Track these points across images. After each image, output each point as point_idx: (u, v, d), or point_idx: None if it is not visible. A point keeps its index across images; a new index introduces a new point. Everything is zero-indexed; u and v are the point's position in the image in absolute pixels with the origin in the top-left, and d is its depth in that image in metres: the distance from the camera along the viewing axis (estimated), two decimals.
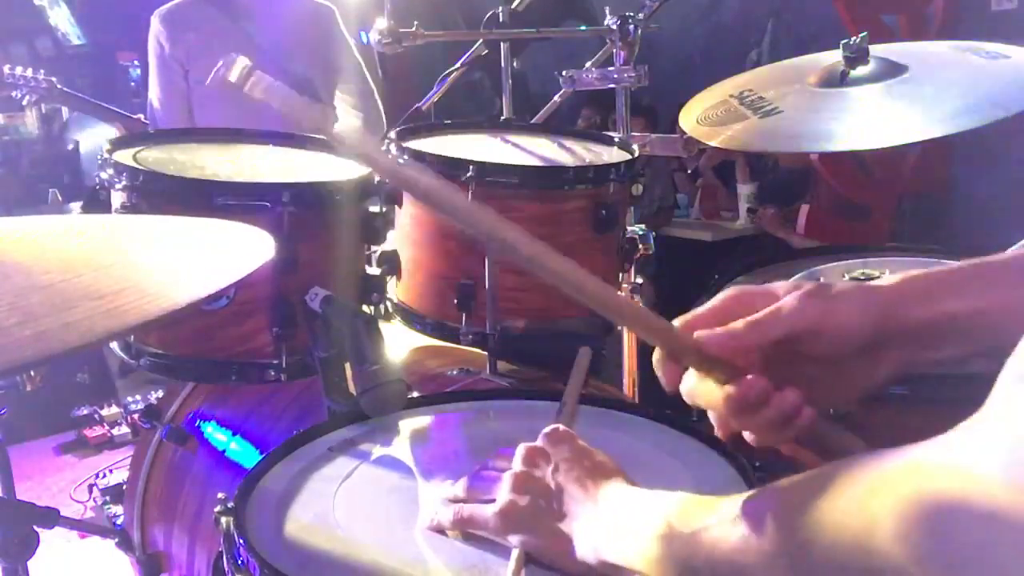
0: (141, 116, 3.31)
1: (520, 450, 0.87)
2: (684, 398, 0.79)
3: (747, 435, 0.80)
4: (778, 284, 0.80)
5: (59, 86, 3.34)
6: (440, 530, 0.89)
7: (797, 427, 0.76)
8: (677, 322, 0.79)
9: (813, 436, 0.79)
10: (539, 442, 0.89)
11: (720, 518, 0.66)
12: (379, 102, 3.07)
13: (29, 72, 3.30)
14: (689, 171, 4.90)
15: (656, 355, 0.79)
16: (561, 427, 0.91)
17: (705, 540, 0.66)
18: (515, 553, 0.82)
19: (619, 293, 0.76)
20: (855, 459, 0.57)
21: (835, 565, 0.54)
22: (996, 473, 0.46)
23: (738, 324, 0.76)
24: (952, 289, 0.76)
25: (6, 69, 3.30)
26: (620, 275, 1.58)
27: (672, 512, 0.72)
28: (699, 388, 0.77)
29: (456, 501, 0.89)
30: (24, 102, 3.39)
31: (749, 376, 0.75)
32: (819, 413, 0.77)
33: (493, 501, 0.85)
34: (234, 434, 1.59)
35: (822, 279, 1.39)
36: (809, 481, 0.60)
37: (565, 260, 0.71)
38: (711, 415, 0.79)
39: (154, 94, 2.86)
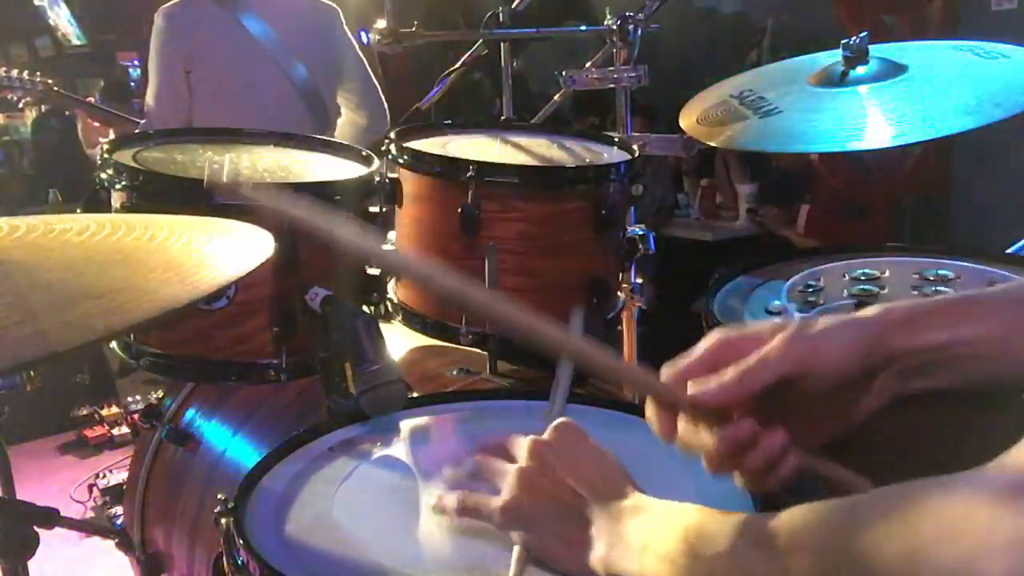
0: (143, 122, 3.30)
1: (529, 444, 0.86)
2: (677, 447, 0.80)
3: (738, 480, 0.80)
4: (762, 326, 0.80)
5: (55, 88, 3.31)
6: (443, 513, 0.88)
7: (786, 468, 0.77)
8: (666, 370, 0.80)
9: (807, 477, 0.79)
10: (548, 435, 0.87)
11: (748, 540, 0.65)
12: (384, 101, 3.07)
13: (25, 74, 3.28)
14: (693, 170, 4.90)
15: (648, 408, 0.80)
16: (571, 422, 0.90)
17: (732, 564, 0.66)
18: (516, 553, 0.82)
19: (607, 352, 0.78)
20: (902, 490, 0.56)
21: None
22: None
23: (728, 375, 0.76)
24: (936, 320, 0.77)
25: (1, 71, 3.28)
26: (620, 275, 1.58)
27: (691, 528, 0.72)
28: (691, 435, 0.78)
29: (459, 486, 0.89)
30: (20, 105, 3.36)
31: (737, 420, 0.75)
32: (809, 451, 0.78)
33: (497, 492, 0.85)
34: (234, 434, 1.59)
35: (822, 279, 1.39)
36: (845, 506, 0.59)
37: (552, 325, 0.74)
38: (704, 460, 0.79)
39: (151, 93, 2.85)
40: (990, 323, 0.75)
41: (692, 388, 0.77)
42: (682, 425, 0.79)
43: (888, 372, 0.77)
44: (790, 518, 0.64)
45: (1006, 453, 0.51)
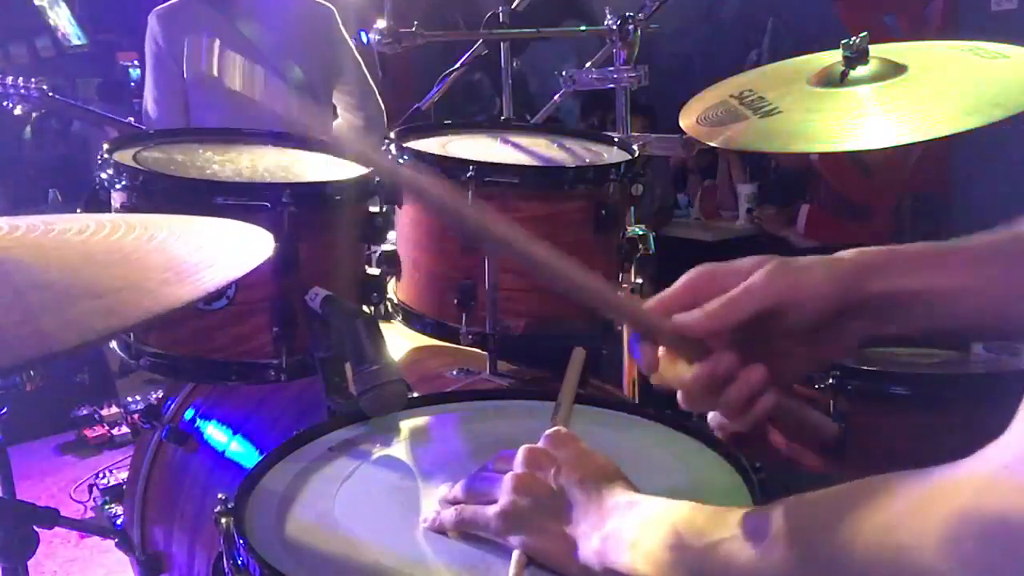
0: (131, 119, 3.29)
1: (522, 451, 0.87)
2: (651, 379, 0.80)
3: (713, 420, 0.81)
4: (743, 261, 0.81)
5: (50, 93, 3.28)
6: (441, 530, 0.88)
7: (762, 407, 0.77)
8: (649, 303, 0.80)
9: (781, 416, 0.81)
10: (541, 443, 0.88)
11: (734, 531, 0.65)
12: (380, 101, 3.07)
13: (20, 80, 3.24)
14: (702, 167, 4.90)
15: (630, 337, 0.80)
16: (563, 429, 0.91)
17: (719, 553, 0.66)
18: (516, 555, 0.82)
19: (600, 280, 0.78)
20: (884, 478, 0.57)
21: None
22: None
23: (713, 304, 0.76)
24: (908, 266, 0.77)
25: None
26: (620, 275, 1.58)
27: (681, 522, 0.72)
28: (668, 369, 0.79)
29: (456, 502, 0.89)
30: (16, 111, 3.33)
31: (717, 354, 0.76)
32: (785, 393, 0.80)
33: (494, 502, 0.85)
34: (234, 434, 1.59)
35: None
36: (834, 498, 0.60)
37: (552, 252, 0.74)
38: (680, 396, 0.79)
39: (149, 95, 2.85)
40: (964, 274, 0.76)
41: (675, 318, 0.77)
42: (662, 358, 0.79)
43: (862, 315, 0.78)
44: (776, 510, 0.64)
45: (989, 446, 0.52)
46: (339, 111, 3.05)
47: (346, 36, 2.98)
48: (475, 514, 0.85)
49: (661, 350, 0.79)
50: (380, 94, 3.10)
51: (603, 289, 0.78)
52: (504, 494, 0.84)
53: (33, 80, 3.24)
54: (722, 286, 0.78)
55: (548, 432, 0.90)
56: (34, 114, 3.38)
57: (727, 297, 0.77)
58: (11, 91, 3.20)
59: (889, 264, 0.77)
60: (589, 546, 0.78)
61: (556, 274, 0.75)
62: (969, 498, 0.49)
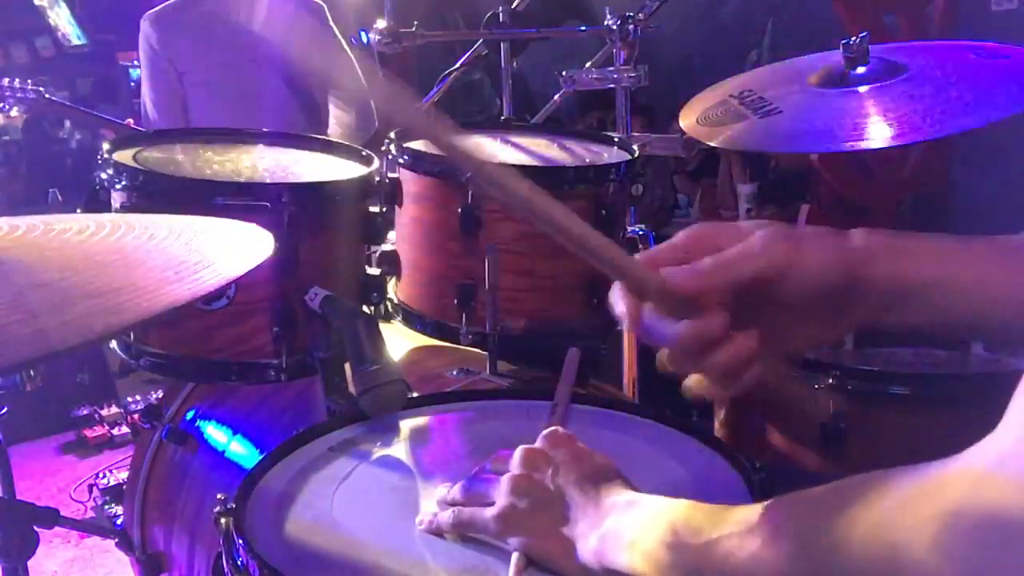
0: (130, 120, 3.30)
1: (519, 452, 0.87)
2: (640, 336, 0.75)
3: (693, 382, 0.76)
4: (747, 222, 0.77)
5: (47, 95, 3.27)
6: (437, 532, 0.88)
7: (750, 377, 0.73)
8: (642, 255, 0.77)
9: (768, 390, 0.77)
10: (538, 444, 0.88)
11: (732, 529, 0.65)
12: (372, 100, 3.07)
13: (16, 82, 3.24)
14: (690, 170, 4.90)
15: (615, 291, 0.76)
16: (560, 429, 0.91)
17: (717, 551, 0.66)
18: (515, 556, 0.82)
19: (587, 226, 0.74)
20: (878, 474, 0.56)
21: None
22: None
23: (705, 262, 0.72)
24: (920, 254, 0.75)
25: None
26: None
27: (679, 520, 0.71)
28: (656, 325, 0.74)
29: (454, 504, 0.89)
30: (13, 112, 3.32)
31: (708, 312, 0.72)
32: (775, 368, 0.75)
33: (492, 504, 0.85)
34: (234, 434, 1.59)
35: None
36: (830, 494, 0.60)
37: (538, 191, 0.72)
38: (664, 355, 0.75)
39: (148, 97, 2.85)
40: (970, 265, 0.74)
41: (664, 272, 0.73)
42: (648, 313, 0.74)
43: (863, 298, 0.74)
44: (773, 507, 0.64)
45: (980, 443, 0.51)
46: (331, 109, 3.05)
47: (338, 33, 2.98)
48: (473, 516, 0.85)
49: (648, 305, 0.74)
50: None
51: (588, 232, 0.72)
52: (501, 496, 0.84)
53: (29, 81, 3.24)
54: (720, 245, 0.74)
55: (545, 432, 0.89)
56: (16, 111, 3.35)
57: (721, 256, 0.72)
58: (7, 93, 3.19)
59: (896, 249, 0.75)
60: (587, 546, 0.78)
61: (540, 214, 0.71)
62: (962, 494, 0.49)
